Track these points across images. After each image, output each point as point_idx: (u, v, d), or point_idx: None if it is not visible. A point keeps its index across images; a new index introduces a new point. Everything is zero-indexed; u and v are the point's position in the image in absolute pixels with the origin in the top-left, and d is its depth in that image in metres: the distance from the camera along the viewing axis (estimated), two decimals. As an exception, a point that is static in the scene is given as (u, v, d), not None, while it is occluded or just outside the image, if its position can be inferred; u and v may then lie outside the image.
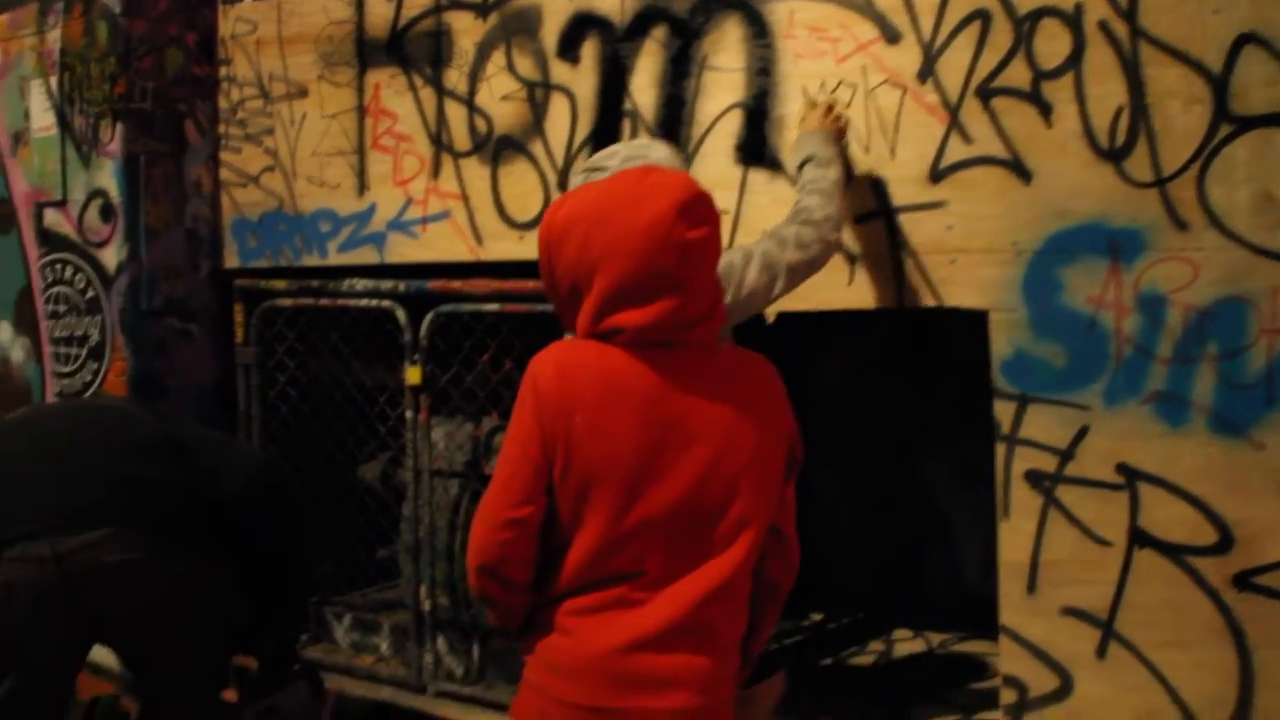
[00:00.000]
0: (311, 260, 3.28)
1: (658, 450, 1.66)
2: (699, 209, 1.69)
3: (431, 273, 3.15)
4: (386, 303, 3.19)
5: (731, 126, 2.72)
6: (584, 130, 2.90)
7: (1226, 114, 2.22)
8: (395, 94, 3.13)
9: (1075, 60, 2.38)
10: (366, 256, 3.22)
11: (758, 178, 2.70)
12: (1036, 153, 2.41)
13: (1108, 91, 2.35)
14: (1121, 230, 2.31)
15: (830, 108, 2.53)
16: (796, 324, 2.63)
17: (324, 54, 3.21)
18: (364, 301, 3.23)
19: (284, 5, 3.25)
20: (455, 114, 3.06)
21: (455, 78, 3.05)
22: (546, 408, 1.68)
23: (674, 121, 2.78)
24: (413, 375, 3.18)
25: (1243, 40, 2.19)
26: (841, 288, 2.60)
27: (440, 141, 3.09)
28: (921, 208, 2.52)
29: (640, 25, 2.81)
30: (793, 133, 2.63)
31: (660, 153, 2.20)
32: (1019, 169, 2.43)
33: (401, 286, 3.18)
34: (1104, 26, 2.35)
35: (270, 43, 3.27)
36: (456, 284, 3.10)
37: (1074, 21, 2.37)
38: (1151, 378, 2.28)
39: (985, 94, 2.46)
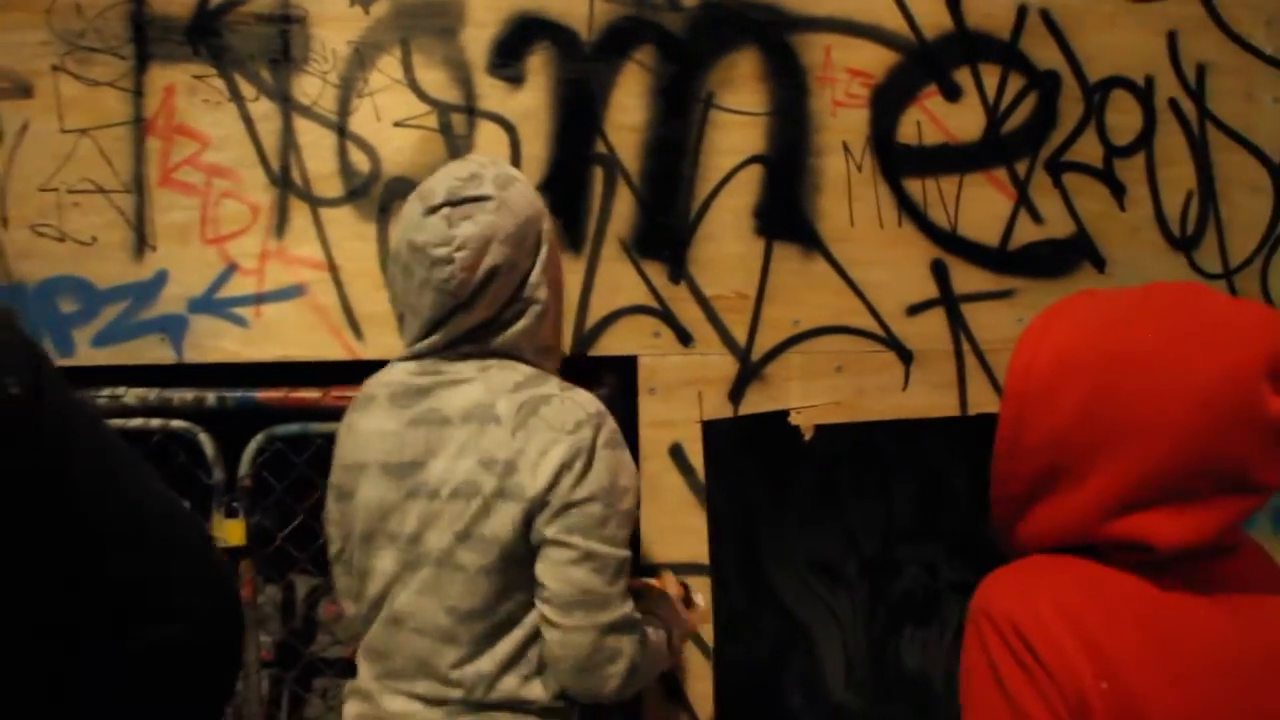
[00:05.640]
0: (43, 359, 2.02)
1: None
2: None
3: (260, 376, 2.10)
4: (179, 423, 2.08)
5: (748, 186, 2.10)
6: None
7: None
8: (204, 105, 2.03)
9: (1147, 138, 2.15)
10: (149, 352, 2.05)
11: (786, 254, 2.10)
12: (1110, 238, 2.16)
13: (1178, 175, 2.17)
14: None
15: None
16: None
17: (66, 32, 1.99)
18: (138, 422, 2.08)
19: (-11, -56, 1.98)
20: (315, 142, 2.05)
21: (314, 89, 2.05)
22: (1050, 673, 1.00)
23: (670, 174, 2.09)
24: (231, 533, 2.11)
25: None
26: (895, 393, 2.11)
27: (288, 182, 2.05)
28: (988, 296, 2.13)
29: (616, 42, 2.08)
30: (832, 197, 2.08)
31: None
32: (1093, 255, 2.15)
33: (211, 398, 2.09)
34: (1174, 106, 2.15)
35: (-38, 3, 1.97)
36: (312, 394, 2.09)
37: (1145, 96, 2.15)
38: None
39: (1055, 168, 2.14)
